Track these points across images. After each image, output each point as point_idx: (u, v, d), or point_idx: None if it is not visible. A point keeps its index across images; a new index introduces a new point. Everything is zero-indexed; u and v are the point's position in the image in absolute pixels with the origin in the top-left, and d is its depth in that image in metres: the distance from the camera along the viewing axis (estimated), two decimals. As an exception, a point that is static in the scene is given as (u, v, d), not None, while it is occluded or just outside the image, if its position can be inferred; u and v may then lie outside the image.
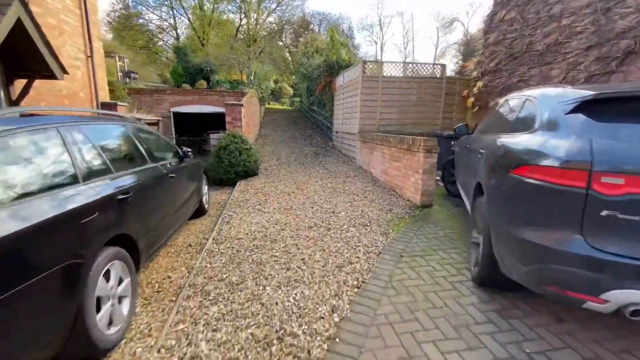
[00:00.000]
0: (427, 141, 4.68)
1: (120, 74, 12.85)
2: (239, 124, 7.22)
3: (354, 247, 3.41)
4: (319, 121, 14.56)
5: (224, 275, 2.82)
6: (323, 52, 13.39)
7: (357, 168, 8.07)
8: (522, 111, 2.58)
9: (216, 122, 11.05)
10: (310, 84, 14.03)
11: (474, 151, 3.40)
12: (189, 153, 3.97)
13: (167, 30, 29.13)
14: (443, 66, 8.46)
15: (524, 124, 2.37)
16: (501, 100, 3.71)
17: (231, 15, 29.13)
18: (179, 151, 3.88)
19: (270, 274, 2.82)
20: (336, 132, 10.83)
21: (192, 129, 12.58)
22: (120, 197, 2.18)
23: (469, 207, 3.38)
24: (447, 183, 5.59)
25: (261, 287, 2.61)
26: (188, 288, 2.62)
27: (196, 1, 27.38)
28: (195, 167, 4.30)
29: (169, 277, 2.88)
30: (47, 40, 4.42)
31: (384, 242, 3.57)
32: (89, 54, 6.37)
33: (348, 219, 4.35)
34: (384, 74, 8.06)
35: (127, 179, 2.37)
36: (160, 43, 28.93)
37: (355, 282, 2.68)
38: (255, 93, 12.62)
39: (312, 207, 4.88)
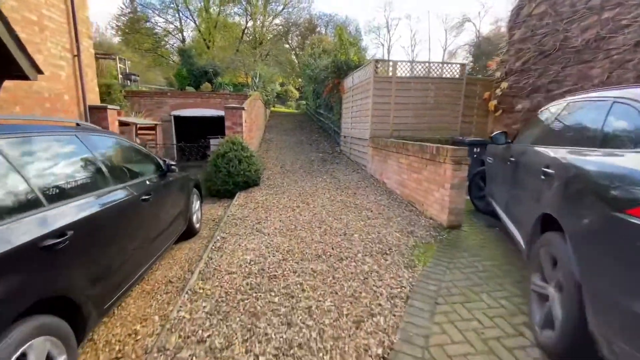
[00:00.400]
0: (455, 151, 3.96)
1: (120, 76, 12.34)
2: (240, 129, 6.58)
3: (374, 288, 2.70)
4: (326, 125, 13.89)
5: (206, 334, 2.13)
6: (330, 53, 12.72)
7: (368, 177, 7.36)
8: (615, 119, 1.85)
9: (218, 126, 10.46)
10: (316, 86, 13.39)
11: (527, 168, 2.67)
12: (173, 167, 3.31)
13: (173, 33, 28.87)
14: (462, 66, 7.71)
15: (627, 139, 1.65)
16: (555, 104, 2.98)
17: (237, 18, 28.75)
18: (161, 164, 3.22)
19: (266, 334, 2.12)
20: (344, 137, 10.13)
21: (194, 134, 12.02)
22: (49, 242, 1.52)
23: (521, 242, 2.64)
24: (475, 198, 4.85)
25: (252, 357, 1.91)
26: (156, 355, 1.94)
27: (202, 4, 27.04)
28: (182, 181, 3.64)
29: (136, 334, 2.21)
30: (17, 35, 3.82)
31: (410, 279, 2.85)
32: (75, 53, 5.80)
33: (363, 244, 3.64)
34: (398, 74, 7.35)
35: (66, 214, 1.70)
36: (167, 46, 28.70)
37: (380, 350, 1.97)
38: (259, 96, 12.01)
39: (320, 227, 4.18)
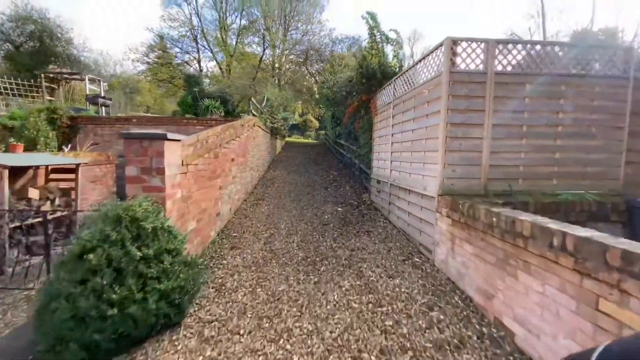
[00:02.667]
0: None
1: (93, 98, 9.43)
2: (160, 182, 2.90)
3: None
4: (347, 159, 10.11)
5: None
6: (353, 68, 9.23)
7: (440, 283, 3.28)
8: None
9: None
10: (336, 109, 9.84)
11: None
12: None
13: (190, 64, 27.38)
14: (630, 50, 3.73)
15: None
16: None
17: (255, 47, 26.89)
18: None
19: None
20: (378, 181, 6.22)
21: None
22: None
23: None
24: None
25: None
26: None
27: (220, 34, 25.46)
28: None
29: None
30: None
31: None
32: None
33: None
34: (497, 67, 3.50)
35: None
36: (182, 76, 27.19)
37: None
38: (257, 121, 8.57)
39: None
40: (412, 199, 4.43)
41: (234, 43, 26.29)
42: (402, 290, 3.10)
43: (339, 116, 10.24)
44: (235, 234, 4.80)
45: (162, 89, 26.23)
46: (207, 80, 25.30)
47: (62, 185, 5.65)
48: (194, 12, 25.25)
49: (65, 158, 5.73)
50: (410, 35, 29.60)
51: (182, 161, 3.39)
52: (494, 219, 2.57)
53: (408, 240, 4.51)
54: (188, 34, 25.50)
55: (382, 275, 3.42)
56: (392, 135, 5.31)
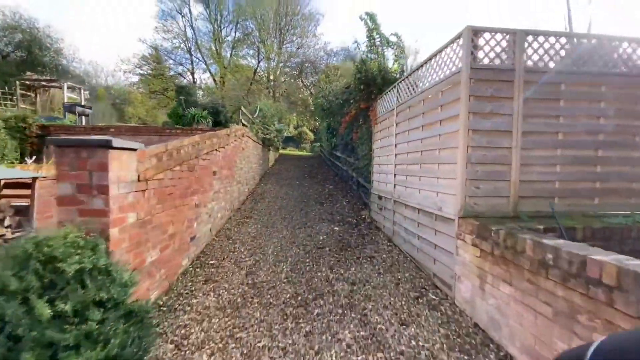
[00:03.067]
0: None
1: (77, 107, 8.71)
2: (103, 206, 2.18)
3: None
4: (344, 172, 9.47)
5: None
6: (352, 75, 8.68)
7: (469, 335, 2.54)
8: None
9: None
10: (332, 120, 9.26)
11: None
12: None
13: (184, 75, 26.96)
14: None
15: None
16: None
17: (249, 59, 26.66)
18: None
19: None
20: (380, 197, 5.55)
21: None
22: None
23: None
24: None
25: None
26: None
27: (215, 46, 25.20)
28: None
29: None
30: None
31: None
32: None
33: None
34: (527, 62, 2.91)
35: None
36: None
37: None
38: (248, 132, 7.92)
39: None
40: (422, 219, 3.74)
41: (229, 55, 26.04)
42: (420, 344, 2.36)
43: (335, 127, 9.65)
44: (213, 262, 4.03)
45: (155, 100, 25.65)
46: (201, 92, 24.87)
47: (21, 202, 4.85)
48: (188, 24, 25.06)
49: (20, 171, 4.96)
50: (410, 44, 29.68)
51: (139, 176, 2.67)
52: (550, 256, 1.88)
53: (418, 269, 3.78)
54: (182, 45, 25.20)
55: (393, 320, 2.68)
56: (396, 145, 4.67)
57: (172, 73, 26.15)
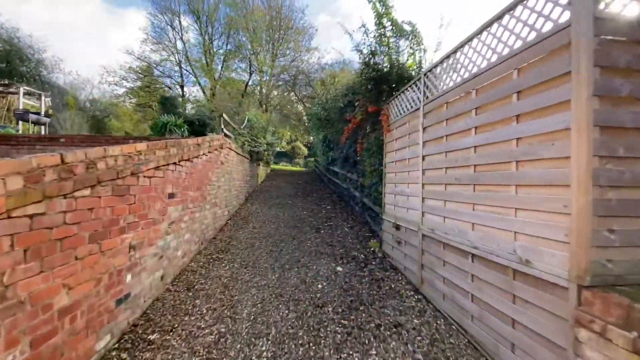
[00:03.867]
0: None
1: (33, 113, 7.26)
2: None
3: None
4: (344, 190, 8.12)
5: None
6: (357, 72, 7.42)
7: None
8: None
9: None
10: (329, 130, 8.00)
11: None
12: None
13: (173, 89, 25.78)
14: None
15: None
16: None
17: (241, 73, 25.75)
18: None
19: None
20: (397, 226, 4.16)
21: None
22: None
23: None
24: None
25: None
26: None
27: (204, 58, 24.26)
28: None
29: None
30: None
31: None
32: None
33: None
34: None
35: None
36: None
37: None
38: (230, 143, 6.57)
39: None
40: (483, 272, 2.37)
41: (220, 68, 25.09)
42: None
43: (333, 139, 8.39)
44: (154, 336, 2.55)
45: (141, 113, 24.26)
46: (190, 105, 23.66)
47: None
48: (178, 37, 24.14)
49: None
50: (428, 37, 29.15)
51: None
52: None
53: (476, 350, 2.38)
54: (171, 57, 24.17)
55: None
56: (424, 158, 3.37)
57: (160, 86, 24.95)
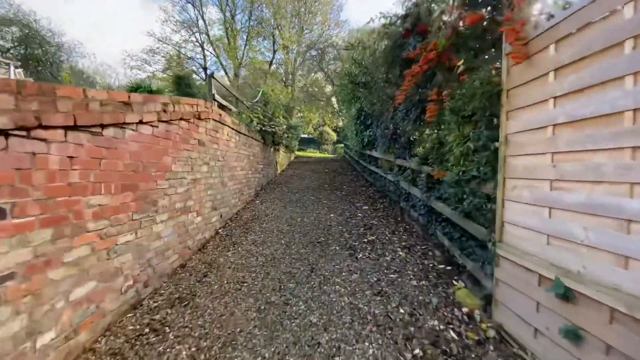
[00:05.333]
0: None
1: None
2: None
3: None
4: (389, 183, 5.60)
5: None
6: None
7: None
8: None
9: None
10: (368, 98, 5.45)
11: None
12: None
13: (197, 73, 24.31)
14: None
15: None
16: None
17: (264, 52, 23.58)
18: None
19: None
20: (560, 287, 1.61)
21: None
22: None
23: None
24: None
25: None
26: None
27: (226, 34, 22.31)
28: None
29: None
30: None
31: None
32: None
33: None
34: None
35: None
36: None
37: None
38: (216, 113, 4.30)
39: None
40: None
41: (243, 47, 23.04)
42: None
43: (371, 112, 5.83)
44: None
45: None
46: (191, 79, 22.09)
47: None
48: (199, 14, 22.32)
49: None
50: None
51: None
52: None
53: None
54: (192, 38, 22.53)
55: None
56: None
57: (181, 70, 23.54)
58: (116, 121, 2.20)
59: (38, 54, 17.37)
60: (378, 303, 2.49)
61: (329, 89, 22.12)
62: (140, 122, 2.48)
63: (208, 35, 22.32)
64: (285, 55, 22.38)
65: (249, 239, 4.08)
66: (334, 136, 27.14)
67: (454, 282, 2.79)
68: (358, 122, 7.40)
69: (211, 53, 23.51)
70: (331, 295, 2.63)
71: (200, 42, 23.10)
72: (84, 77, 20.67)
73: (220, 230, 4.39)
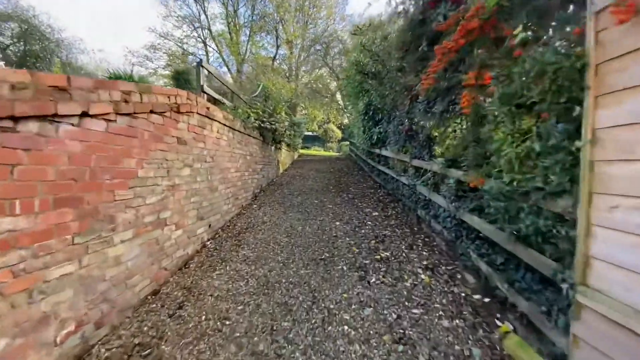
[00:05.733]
0: None
1: None
2: None
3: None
4: (402, 186, 4.93)
5: None
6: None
7: None
8: None
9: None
10: (379, 90, 4.75)
11: None
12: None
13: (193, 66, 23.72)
14: None
15: None
16: None
17: (267, 47, 22.94)
18: None
19: None
20: None
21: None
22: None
23: None
24: None
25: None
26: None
27: (228, 29, 21.72)
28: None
29: None
30: None
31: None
32: None
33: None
34: None
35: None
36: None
37: None
38: (201, 106, 3.67)
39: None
40: None
41: (246, 42, 22.42)
42: None
43: (382, 107, 5.15)
44: None
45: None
46: (191, 75, 21.57)
47: None
48: (201, 8, 21.73)
49: None
50: None
51: None
52: None
53: None
54: (194, 34, 21.98)
55: None
56: None
57: (183, 66, 23.04)
58: (41, 112, 1.58)
59: (36, 50, 16.98)
60: (401, 356, 1.85)
61: (333, 85, 21.43)
62: (85, 114, 1.86)
63: (210, 31, 21.76)
64: (288, 50, 21.70)
65: (240, 255, 3.46)
66: (338, 134, 26.46)
67: (497, 321, 2.14)
68: (366, 117, 6.73)
69: (213, 49, 22.94)
70: (338, 342, 1.99)
71: (202, 38, 22.55)
72: (82, 74, 20.25)
73: (208, 243, 3.78)
